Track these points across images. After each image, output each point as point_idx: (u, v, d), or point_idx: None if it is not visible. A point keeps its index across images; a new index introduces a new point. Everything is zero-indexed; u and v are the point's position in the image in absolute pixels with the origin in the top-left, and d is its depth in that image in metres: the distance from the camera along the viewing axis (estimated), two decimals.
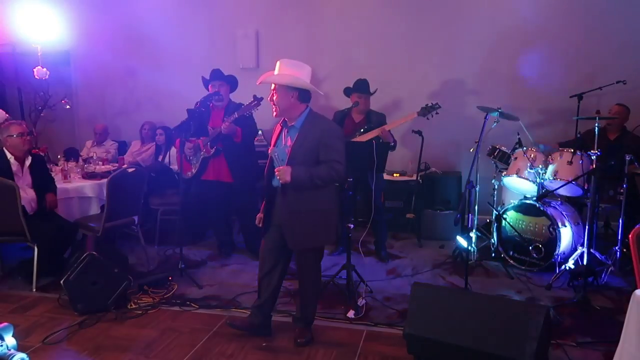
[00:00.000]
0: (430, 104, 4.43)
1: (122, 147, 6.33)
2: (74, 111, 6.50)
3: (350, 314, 3.42)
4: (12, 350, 1.11)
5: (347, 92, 4.55)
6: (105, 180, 4.32)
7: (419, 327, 2.71)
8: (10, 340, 1.18)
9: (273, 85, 2.92)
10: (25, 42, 5.46)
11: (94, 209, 4.57)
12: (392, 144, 4.31)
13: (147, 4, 6.21)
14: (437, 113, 4.43)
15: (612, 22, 5.16)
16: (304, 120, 2.92)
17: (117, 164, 5.58)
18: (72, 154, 5.69)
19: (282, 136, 3.01)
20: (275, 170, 2.87)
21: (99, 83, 6.46)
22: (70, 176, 4.76)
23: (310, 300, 3.14)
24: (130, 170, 4.31)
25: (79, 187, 4.59)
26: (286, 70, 2.90)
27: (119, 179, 4.13)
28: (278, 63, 2.94)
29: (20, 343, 2.96)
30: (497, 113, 4.01)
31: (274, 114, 2.95)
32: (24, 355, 1.08)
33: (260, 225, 3.10)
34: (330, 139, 2.88)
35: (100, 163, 5.48)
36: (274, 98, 2.91)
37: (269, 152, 2.95)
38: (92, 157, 5.66)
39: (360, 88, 4.46)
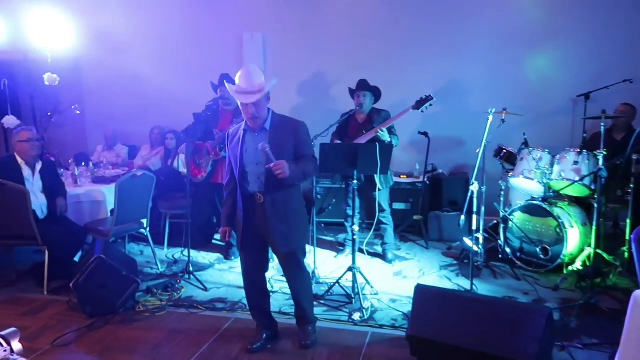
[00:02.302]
0: (424, 97, 4.38)
1: (133, 151, 6.41)
2: (85, 116, 6.60)
3: (356, 316, 3.44)
4: (15, 356, 1.13)
5: (351, 93, 4.56)
6: (114, 185, 4.39)
7: (421, 329, 2.72)
8: (16, 345, 1.20)
9: (250, 102, 2.78)
10: (37, 50, 5.56)
11: (104, 213, 4.64)
12: (388, 142, 4.27)
13: (155, 10, 6.30)
14: (431, 105, 4.38)
15: (620, 21, 5.11)
16: (270, 121, 2.89)
17: (127, 168, 5.66)
18: (82, 159, 5.77)
19: (246, 140, 2.89)
20: (272, 166, 2.72)
21: (108, 88, 6.54)
22: (80, 181, 4.84)
23: (306, 301, 3.15)
24: (138, 174, 4.37)
25: (89, 192, 4.67)
26: (257, 80, 2.79)
27: (127, 183, 4.19)
28: (244, 76, 2.78)
29: (30, 345, 3.06)
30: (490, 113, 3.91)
31: (252, 124, 2.85)
32: None
33: (228, 239, 3.08)
34: (304, 136, 2.94)
35: (111, 167, 5.57)
36: (253, 111, 2.80)
37: (260, 148, 2.75)
38: (102, 161, 5.75)
39: (359, 86, 4.46)
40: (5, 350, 1.11)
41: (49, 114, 5.31)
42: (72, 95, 6.06)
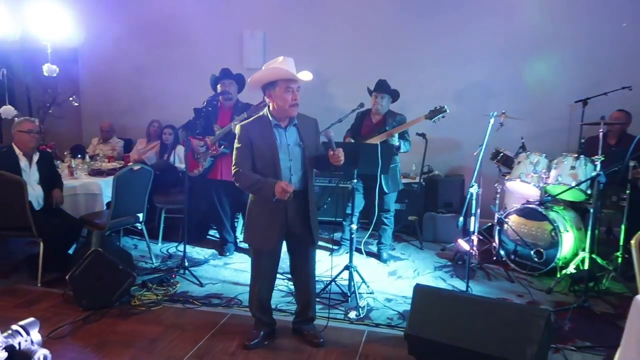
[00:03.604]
0: (437, 107, 4.37)
1: (127, 145, 6.38)
2: (82, 108, 6.56)
3: (352, 314, 3.45)
4: (36, 346, 1.13)
5: (370, 93, 4.55)
6: (110, 178, 4.37)
7: (420, 328, 2.74)
8: (35, 335, 1.19)
9: (297, 85, 2.82)
10: (35, 39, 5.49)
11: (100, 206, 4.61)
12: (396, 146, 4.29)
13: (155, 3, 6.26)
14: (443, 117, 4.40)
15: (620, 28, 5.17)
16: (296, 117, 2.90)
17: (122, 162, 5.63)
18: (78, 151, 5.74)
19: (276, 135, 2.84)
20: (336, 152, 2.77)
21: (106, 81, 6.51)
22: (76, 173, 4.81)
23: (315, 296, 3.21)
24: (136, 168, 4.35)
25: (85, 184, 4.63)
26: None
27: (125, 177, 4.17)
28: (289, 62, 2.80)
29: None
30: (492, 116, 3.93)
31: (293, 112, 2.82)
32: (46, 351, 1.10)
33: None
34: (318, 132, 3.03)
35: (106, 160, 5.53)
36: (298, 96, 2.83)
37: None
38: (98, 154, 5.71)
39: (378, 87, 4.46)
40: (26, 340, 1.10)
41: (48, 104, 5.26)
42: (69, 87, 6.02)
